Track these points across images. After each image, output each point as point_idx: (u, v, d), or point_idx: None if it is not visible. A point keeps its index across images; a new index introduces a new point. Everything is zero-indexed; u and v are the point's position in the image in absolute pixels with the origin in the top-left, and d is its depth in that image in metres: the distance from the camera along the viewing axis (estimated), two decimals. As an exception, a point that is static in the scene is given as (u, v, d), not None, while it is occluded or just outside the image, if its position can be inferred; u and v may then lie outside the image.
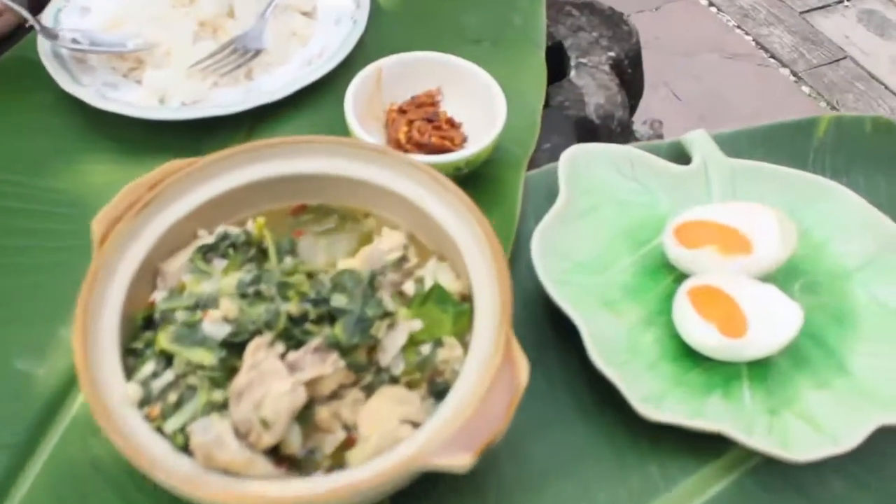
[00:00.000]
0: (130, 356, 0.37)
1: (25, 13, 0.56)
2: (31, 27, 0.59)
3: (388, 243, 0.42)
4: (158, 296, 0.39)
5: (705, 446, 0.41)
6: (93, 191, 0.51)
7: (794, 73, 2.04)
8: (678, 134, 0.56)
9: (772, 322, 0.42)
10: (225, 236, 0.41)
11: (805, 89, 2.01)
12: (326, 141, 0.44)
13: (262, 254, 0.41)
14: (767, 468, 0.41)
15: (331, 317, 0.36)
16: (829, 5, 2.23)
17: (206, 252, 0.40)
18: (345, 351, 0.36)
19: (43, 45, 0.56)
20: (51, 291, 0.46)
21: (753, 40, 2.07)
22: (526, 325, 0.45)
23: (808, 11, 2.18)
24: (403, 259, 0.41)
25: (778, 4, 2.19)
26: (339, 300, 0.37)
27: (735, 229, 0.46)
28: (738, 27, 2.11)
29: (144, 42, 0.55)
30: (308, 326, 0.36)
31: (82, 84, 0.53)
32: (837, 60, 2.06)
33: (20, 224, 0.50)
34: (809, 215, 0.50)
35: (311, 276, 0.38)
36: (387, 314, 0.37)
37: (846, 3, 2.25)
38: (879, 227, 0.49)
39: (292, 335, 0.36)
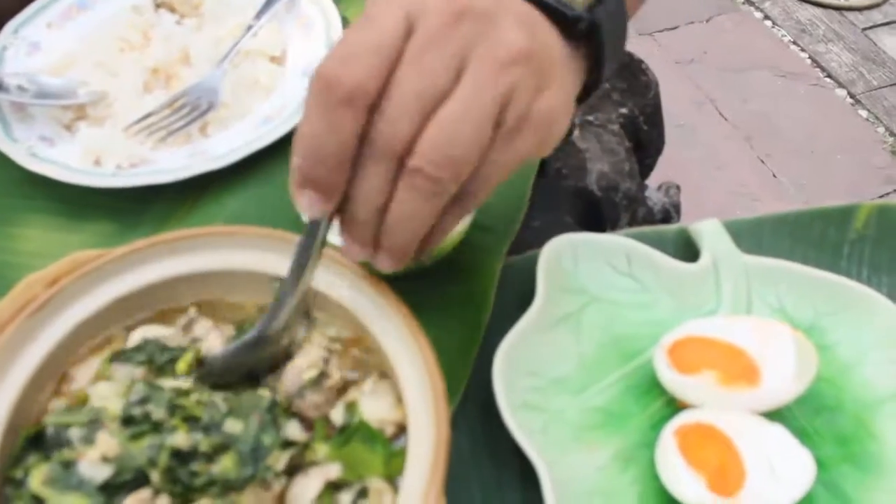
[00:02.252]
0: (8, 486, 0.33)
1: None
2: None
3: (307, 359, 0.37)
4: (54, 405, 0.36)
5: None
6: (22, 260, 0.48)
7: (852, 95, 1.94)
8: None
9: (776, 475, 0.37)
10: (143, 346, 0.37)
11: (863, 113, 1.91)
12: (254, 233, 0.39)
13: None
14: None
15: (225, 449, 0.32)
16: (891, 23, 2.12)
17: (115, 360, 0.36)
18: (241, 497, 0.31)
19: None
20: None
21: (809, 58, 1.98)
22: (489, 447, 0.40)
23: (871, 28, 2.08)
24: (323, 376, 0.37)
25: (839, 19, 2.09)
26: (233, 426, 0.33)
27: (742, 350, 0.41)
28: (794, 43, 2.02)
29: (94, 92, 0.51)
30: (196, 467, 0.31)
31: (14, 139, 0.50)
32: (898, 84, 1.96)
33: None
34: (837, 327, 0.44)
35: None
36: (288, 444, 0.33)
37: (914, 18, 2.14)
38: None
39: (177, 478, 0.31)
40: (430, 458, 0.32)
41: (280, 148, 0.51)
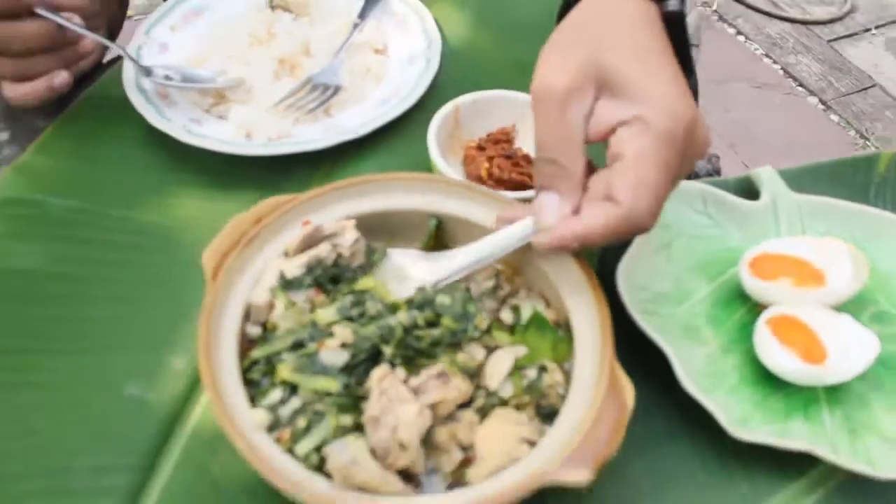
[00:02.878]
0: (247, 385, 0.42)
1: (123, 51, 0.62)
2: (108, 64, 0.65)
3: (482, 274, 0.47)
4: (252, 331, 0.44)
5: (790, 466, 0.45)
6: (180, 224, 0.57)
7: (823, 102, 2.11)
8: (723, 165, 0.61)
9: (849, 350, 0.47)
10: (310, 269, 0.45)
11: (834, 118, 2.08)
12: (421, 178, 0.49)
13: (353, 275, 0.46)
14: (852, 487, 0.45)
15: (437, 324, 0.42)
16: (856, 34, 2.32)
17: (287, 287, 0.45)
18: (456, 355, 0.41)
19: (129, 81, 0.61)
20: (148, 321, 0.51)
21: (782, 69, 2.15)
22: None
23: (835, 40, 2.27)
24: (497, 287, 0.46)
25: (806, 33, 2.27)
26: (443, 300, 0.42)
27: (808, 262, 0.51)
28: (767, 55, 2.19)
29: (231, 79, 0.60)
30: (419, 333, 0.41)
31: (168, 119, 0.59)
32: (866, 89, 2.14)
33: (112, 256, 0.55)
34: (875, 248, 0.55)
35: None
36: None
37: (873, 31, 2.33)
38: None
39: (408, 345, 0.40)
40: (598, 334, 0.42)
41: (397, 125, 0.61)
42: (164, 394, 0.47)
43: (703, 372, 0.48)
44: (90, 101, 0.64)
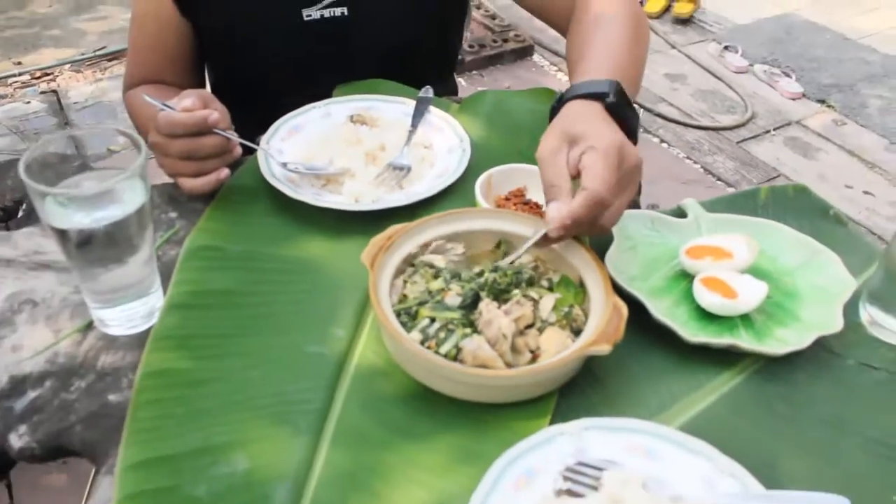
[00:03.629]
0: (402, 315, 0.72)
1: (267, 152, 0.93)
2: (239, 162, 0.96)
3: (526, 259, 0.78)
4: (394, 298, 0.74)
5: (723, 361, 0.76)
6: (317, 258, 0.86)
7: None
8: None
9: (750, 292, 0.79)
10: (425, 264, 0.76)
11: (750, 205, 2.51)
12: (484, 210, 0.81)
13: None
14: (763, 370, 0.76)
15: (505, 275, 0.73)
16: (758, 135, 2.80)
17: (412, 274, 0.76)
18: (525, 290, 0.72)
19: (266, 171, 0.92)
20: (311, 312, 0.80)
21: (702, 167, 2.59)
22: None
23: (742, 141, 2.74)
24: (537, 267, 0.78)
25: (718, 137, 2.74)
26: (504, 265, 0.73)
27: (721, 247, 0.84)
28: (688, 157, 2.64)
29: (340, 167, 0.92)
30: (499, 283, 0.72)
31: (298, 194, 0.90)
32: (773, 178, 2.59)
33: (277, 278, 0.84)
34: (764, 242, 0.88)
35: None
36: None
37: (772, 132, 2.82)
38: (806, 244, 0.87)
39: (495, 290, 0.71)
40: (602, 284, 0.73)
41: (447, 192, 0.93)
42: (333, 348, 0.76)
43: (664, 313, 0.79)
44: (232, 187, 0.94)
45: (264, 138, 0.98)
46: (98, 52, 3.36)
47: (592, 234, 0.77)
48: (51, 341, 0.79)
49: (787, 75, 3.13)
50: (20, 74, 3.08)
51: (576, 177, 0.75)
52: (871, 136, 2.84)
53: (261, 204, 0.93)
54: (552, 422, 0.68)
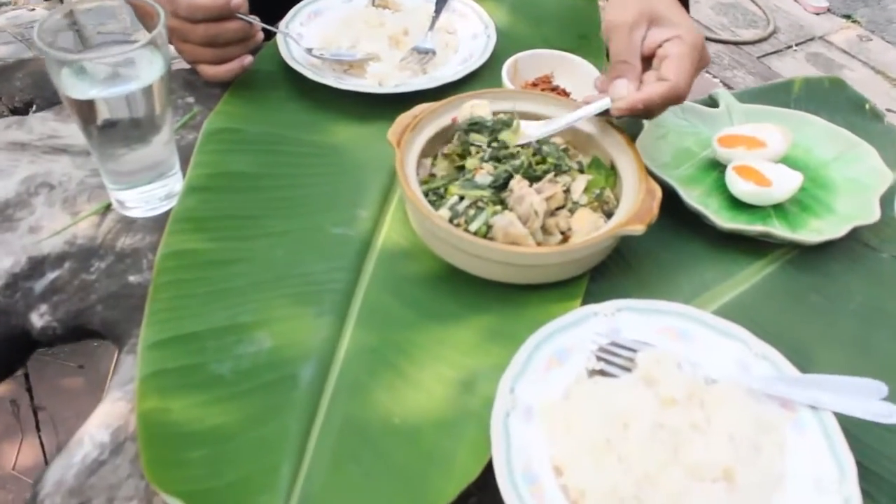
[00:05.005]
0: (430, 195, 0.69)
1: (290, 36, 0.89)
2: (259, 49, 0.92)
3: (557, 140, 0.75)
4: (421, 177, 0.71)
5: (755, 249, 0.73)
6: (341, 141, 0.83)
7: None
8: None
9: (784, 181, 0.76)
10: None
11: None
12: (515, 91, 0.77)
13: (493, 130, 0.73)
14: (798, 258, 0.73)
15: (543, 161, 0.69)
16: (780, 50, 2.71)
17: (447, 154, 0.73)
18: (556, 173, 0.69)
19: (287, 55, 0.88)
20: (337, 194, 0.77)
21: (721, 82, 2.51)
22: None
23: (763, 56, 2.65)
24: (567, 149, 0.74)
25: (738, 51, 2.65)
26: (546, 149, 0.70)
27: (753, 137, 0.80)
28: (707, 72, 2.55)
29: (367, 52, 0.88)
30: (537, 168, 0.68)
31: (322, 77, 0.86)
32: (793, 96, 2.51)
33: (299, 161, 0.81)
34: (798, 133, 0.84)
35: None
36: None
37: (794, 48, 2.73)
38: (841, 136, 0.83)
39: (529, 173, 0.68)
40: (635, 165, 0.70)
41: (472, 78, 0.89)
42: (358, 229, 0.74)
43: (696, 201, 0.76)
44: (251, 72, 0.89)
45: (283, 22, 0.94)
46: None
47: (646, 118, 0.76)
48: (67, 222, 0.76)
49: (813, -12, 3.00)
50: (24, -20, 2.98)
51: (648, 58, 0.72)
52: None
53: (281, 89, 0.89)
54: (583, 304, 0.66)
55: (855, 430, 0.57)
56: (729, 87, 2.51)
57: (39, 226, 0.76)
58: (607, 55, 0.75)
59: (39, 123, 0.89)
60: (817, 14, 2.90)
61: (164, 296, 0.67)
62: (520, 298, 0.67)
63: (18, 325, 0.70)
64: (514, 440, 0.54)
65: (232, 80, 0.87)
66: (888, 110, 2.46)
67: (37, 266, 0.73)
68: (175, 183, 0.77)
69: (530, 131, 0.73)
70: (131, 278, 0.72)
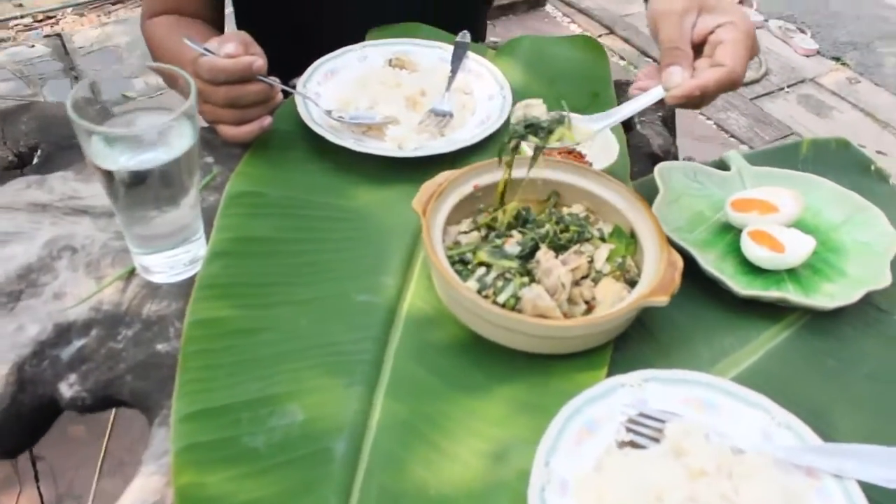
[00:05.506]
0: (456, 264, 0.71)
1: (309, 98, 0.91)
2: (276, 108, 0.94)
3: (577, 209, 0.77)
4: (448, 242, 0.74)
5: (771, 315, 0.76)
6: (361, 206, 0.85)
7: (751, 149, 2.53)
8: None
9: (798, 246, 0.79)
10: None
11: (763, 162, 2.49)
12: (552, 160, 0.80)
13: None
14: (811, 325, 0.76)
15: (566, 230, 0.72)
16: (772, 92, 2.77)
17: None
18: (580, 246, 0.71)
19: (306, 116, 0.90)
20: (361, 260, 0.79)
21: (715, 124, 2.57)
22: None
23: (756, 98, 2.71)
24: (587, 218, 0.77)
25: (731, 93, 2.71)
26: (568, 219, 0.72)
27: (766, 201, 0.83)
28: (701, 113, 2.61)
29: (386, 115, 0.91)
30: (562, 236, 0.71)
31: (341, 139, 0.88)
32: (786, 136, 2.57)
33: (321, 225, 0.82)
34: (808, 196, 0.87)
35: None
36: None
37: (786, 89, 2.79)
38: (850, 199, 0.86)
39: (555, 241, 0.70)
40: (656, 234, 0.72)
41: (488, 141, 0.91)
42: (383, 297, 0.75)
43: (712, 266, 0.79)
44: (270, 132, 0.92)
45: (300, 82, 0.96)
46: (100, -5, 3.29)
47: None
48: (93, 289, 0.78)
49: (802, 31, 3.09)
50: (22, 17, 3.01)
51: (698, 45, 0.75)
52: (885, 96, 2.81)
53: (299, 149, 0.91)
54: (608, 375, 0.68)
55: (879, 498, 0.59)
56: (722, 129, 2.57)
57: (63, 292, 0.77)
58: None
59: (60, 183, 0.90)
60: (808, 56, 2.98)
61: (194, 365, 0.68)
62: (545, 368, 0.69)
63: (46, 395, 0.71)
64: (551, 516, 0.56)
65: (252, 140, 0.89)
66: (878, 152, 2.52)
67: (63, 334, 0.74)
68: (199, 248, 0.79)
69: (585, 126, 0.75)
70: (159, 347, 0.73)
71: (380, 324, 0.73)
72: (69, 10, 3.17)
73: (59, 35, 2.92)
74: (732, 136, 2.56)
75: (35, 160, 1.17)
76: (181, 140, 0.71)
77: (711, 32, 0.74)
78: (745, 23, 0.74)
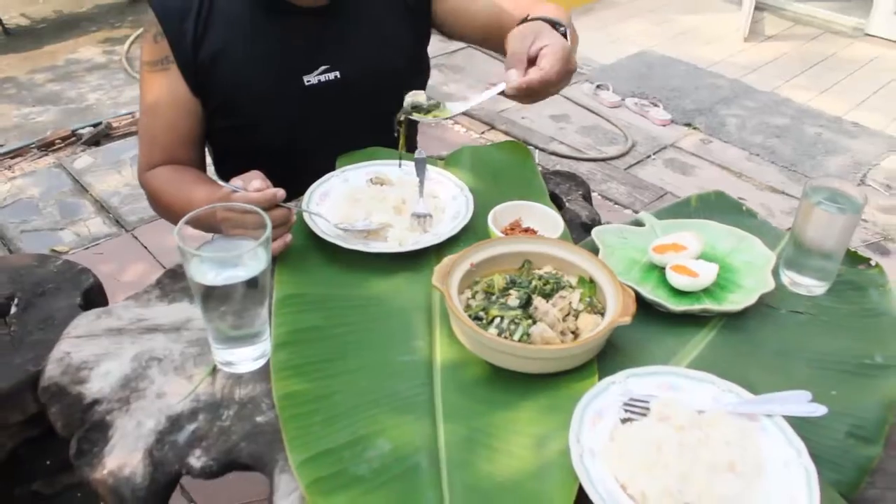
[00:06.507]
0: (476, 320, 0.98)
1: (321, 216, 1.17)
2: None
3: (547, 269, 1.06)
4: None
5: (698, 320, 1.07)
6: (379, 293, 1.11)
7: (635, 211, 2.95)
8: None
9: (706, 271, 1.11)
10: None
11: (646, 221, 2.92)
12: (509, 239, 1.09)
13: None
14: (728, 323, 1.07)
15: (547, 283, 1.01)
16: (641, 161, 3.24)
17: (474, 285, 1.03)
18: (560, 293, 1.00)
19: (318, 230, 1.16)
20: (394, 332, 1.04)
21: (599, 194, 2.98)
22: (607, 300, 1.10)
23: (629, 167, 3.16)
24: (556, 274, 1.06)
25: (607, 167, 3.15)
26: (546, 276, 1.02)
27: (677, 243, 1.15)
28: (593, 190, 3.03)
29: (381, 222, 1.18)
30: (545, 288, 1.00)
31: (353, 245, 1.14)
32: (661, 196, 3.01)
33: (355, 311, 1.08)
34: (704, 235, 1.20)
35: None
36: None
37: (652, 156, 3.27)
38: (733, 233, 1.21)
39: (542, 290, 0.99)
40: (610, 279, 1.02)
41: (461, 233, 1.20)
42: (419, 355, 1.01)
43: (651, 294, 1.09)
44: (291, 247, 1.17)
45: (304, 203, 1.22)
46: (-2, 151, 3.41)
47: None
48: (186, 386, 0.99)
49: (655, 105, 3.62)
50: (-75, 182, 3.09)
51: (531, 60, 1.14)
52: (733, 150, 3.34)
53: (315, 257, 1.17)
54: (599, 378, 0.96)
55: (795, 424, 0.88)
56: (607, 199, 2.99)
57: (164, 391, 0.98)
58: None
59: (124, 310, 1.11)
60: (664, 126, 3.50)
61: (293, 426, 0.91)
62: (552, 382, 0.96)
63: (174, 472, 0.91)
64: (592, 473, 0.82)
65: (277, 255, 1.14)
66: (739, 198, 2.99)
67: (175, 422, 0.94)
68: (267, 343, 1.02)
69: (452, 107, 1.15)
70: (258, 419, 0.95)
71: (423, 374, 0.98)
72: (-33, 167, 3.27)
73: (-32, 193, 3.02)
74: (616, 202, 2.97)
75: (13, 309, 1.36)
76: (258, 263, 0.95)
77: (540, 50, 1.14)
78: (560, 43, 1.15)
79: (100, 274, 1.47)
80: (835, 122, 3.56)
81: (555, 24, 1.20)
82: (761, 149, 3.34)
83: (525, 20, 1.24)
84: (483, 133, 3.44)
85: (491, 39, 1.43)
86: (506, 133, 3.42)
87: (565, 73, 1.15)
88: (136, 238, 2.83)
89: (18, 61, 4.38)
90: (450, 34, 1.53)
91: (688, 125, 3.52)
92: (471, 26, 1.47)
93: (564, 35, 1.20)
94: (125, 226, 2.89)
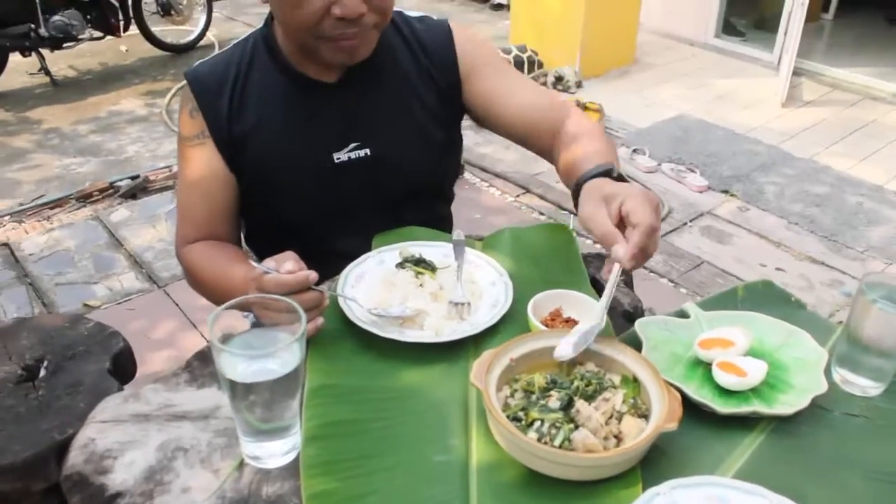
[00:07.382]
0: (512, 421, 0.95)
1: (355, 301, 1.15)
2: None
3: (590, 367, 1.03)
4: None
5: (744, 426, 1.02)
6: (414, 385, 1.08)
7: (671, 280, 2.90)
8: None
9: (755, 370, 1.06)
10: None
11: (683, 290, 2.86)
12: (549, 332, 1.06)
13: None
14: (777, 428, 1.02)
15: (589, 384, 0.97)
16: (677, 228, 3.20)
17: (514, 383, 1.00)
18: (603, 394, 0.96)
19: (353, 316, 1.14)
20: (430, 426, 1.01)
21: (635, 261, 2.95)
22: (651, 398, 1.06)
23: (665, 235, 3.12)
24: (599, 371, 1.02)
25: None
26: (588, 376, 0.98)
27: (723, 338, 1.11)
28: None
29: (416, 309, 1.16)
30: (587, 389, 0.96)
31: (389, 333, 1.12)
32: (698, 266, 2.96)
33: (388, 404, 1.05)
34: (751, 329, 1.16)
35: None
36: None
37: (689, 224, 3.23)
38: (782, 326, 1.16)
39: (584, 394, 0.95)
40: (655, 379, 0.99)
41: (500, 323, 1.17)
42: (455, 455, 0.97)
43: (696, 394, 1.05)
44: (323, 331, 1.15)
45: (338, 287, 1.21)
46: (37, 201, 3.48)
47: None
48: (212, 480, 0.96)
49: (692, 171, 3.59)
50: (-39, 233, 3.15)
51: (618, 225, 1.05)
52: (772, 218, 3.29)
53: (348, 343, 1.14)
54: (643, 487, 0.91)
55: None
56: (644, 267, 2.95)
57: (188, 486, 0.95)
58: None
59: (153, 394, 1.09)
60: (701, 192, 3.46)
61: (324, 527, 0.88)
62: (593, 488, 0.92)
63: (198, 573, 0.88)
64: None
65: (309, 339, 1.12)
66: (778, 269, 2.94)
67: (202, 520, 0.91)
68: (297, 436, 0.99)
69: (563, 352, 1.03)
70: (287, 518, 0.92)
71: (460, 476, 0.95)
72: (6, 217, 3.33)
73: (6, 244, 3.06)
74: (652, 271, 2.93)
75: (42, 372, 1.35)
76: (292, 357, 0.93)
77: (620, 210, 1.06)
78: (633, 191, 1.06)
79: (130, 331, 1.47)
80: (876, 190, 3.51)
81: (608, 173, 1.17)
82: (800, 217, 3.29)
83: (579, 183, 1.18)
84: (518, 196, 3.43)
85: (527, 144, 1.49)
86: (541, 197, 3.40)
87: (657, 212, 1.06)
88: (167, 294, 2.84)
89: (64, 112, 4.51)
90: (482, 124, 1.53)
91: (725, 192, 3.49)
92: (504, 127, 1.49)
93: (621, 176, 1.17)
94: (157, 281, 2.90)
